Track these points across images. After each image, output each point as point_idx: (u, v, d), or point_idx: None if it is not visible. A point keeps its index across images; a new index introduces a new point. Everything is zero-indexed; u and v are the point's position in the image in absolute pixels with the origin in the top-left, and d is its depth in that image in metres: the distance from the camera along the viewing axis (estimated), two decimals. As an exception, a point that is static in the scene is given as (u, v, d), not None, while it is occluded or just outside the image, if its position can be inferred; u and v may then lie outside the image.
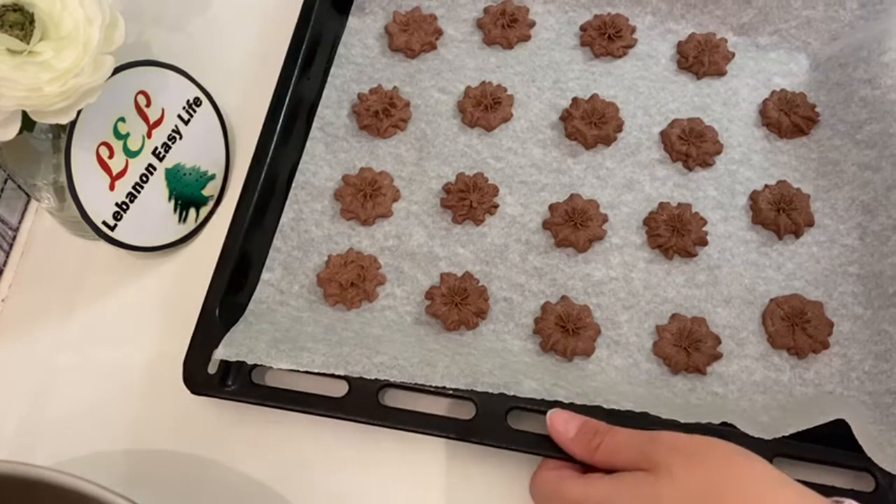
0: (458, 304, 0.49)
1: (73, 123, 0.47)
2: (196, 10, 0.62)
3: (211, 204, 0.56)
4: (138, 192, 0.51)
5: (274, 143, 0.53)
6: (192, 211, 0.54)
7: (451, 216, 0.53)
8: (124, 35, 0.45)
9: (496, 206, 0.53)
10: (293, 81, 0.55)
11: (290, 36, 0.55)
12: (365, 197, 0.53)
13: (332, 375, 0.45)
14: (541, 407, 0.44)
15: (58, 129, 0.49)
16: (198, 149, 0.54)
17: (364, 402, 0.45)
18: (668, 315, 0.50)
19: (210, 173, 0.55)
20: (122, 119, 0.50)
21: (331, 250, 0.52)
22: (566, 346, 0.48)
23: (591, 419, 0.43)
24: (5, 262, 0.55)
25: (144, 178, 0.52)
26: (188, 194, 0.54)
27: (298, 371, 0.45)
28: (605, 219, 0.52)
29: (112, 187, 0.50)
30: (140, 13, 0.54)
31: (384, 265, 0.52)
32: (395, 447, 0.47)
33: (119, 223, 0.50)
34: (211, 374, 0.46)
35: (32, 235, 0.56)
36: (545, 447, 0.43)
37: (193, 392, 0.46)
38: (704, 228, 0.52)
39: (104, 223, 0.50)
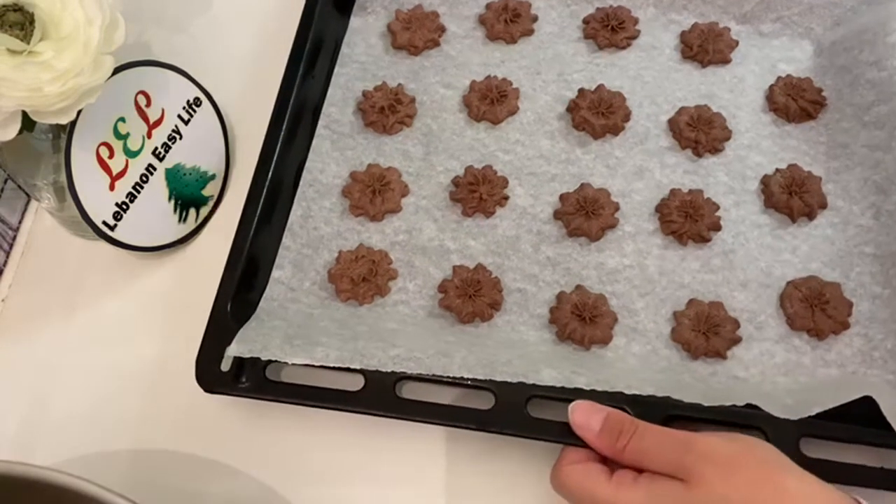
0: (471, 296, 0.49)
1: (73, 123, 0.46)
2: (196, 10, 0.62)
3: (211, 204, 0.55)
4: (138, 192, 0.51)
5: (280, 142, 0.52)
6: (192, 211, 0.54)
7: (461, 209, 0.52)
8: (124, 35, 0.45)
9: (506, 198, 0.53)
10: (297, 81, 0.55)
11: (292, 36, 0.55)
12: (373, 193, 0.52)
13: (348, 370, 0.44)
14: (561, 395, 0.43)
15: (58, 129, 0.48)
16: (198, 149, 0.54)
17: (381, 395, 0.44)
18: (684, 301, 0.49)
19: (210, 173, 0.55)
20: (122, 119, 0.50)
21: (341, 246, 0.51)
22: (583, 334, 0.47)
23: (615, 411, 0.42)
24: (5, 262, 0.54)
25: (144, 178, 0.51)
26: (188, 194, 0.54)
27: (313, 366, 0.45)
28: (616, 207, 0.52)
29: (112, 187, 0.50)
30: (140, 13, 0.54)
31: (395, 260, 0.51)
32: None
33: (119, 223, 0.50)
34: (224, 372, 0.45)
35: (32, 235, 0.56)
36: (567, 435, 0.42)
37: (206, 390, 0.45)
38: (717, 213, 0.51)
39: (104, 223, 0.49)
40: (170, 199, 0.52)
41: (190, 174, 0.53)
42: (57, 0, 0.42)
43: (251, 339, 0.45)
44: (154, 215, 0.52)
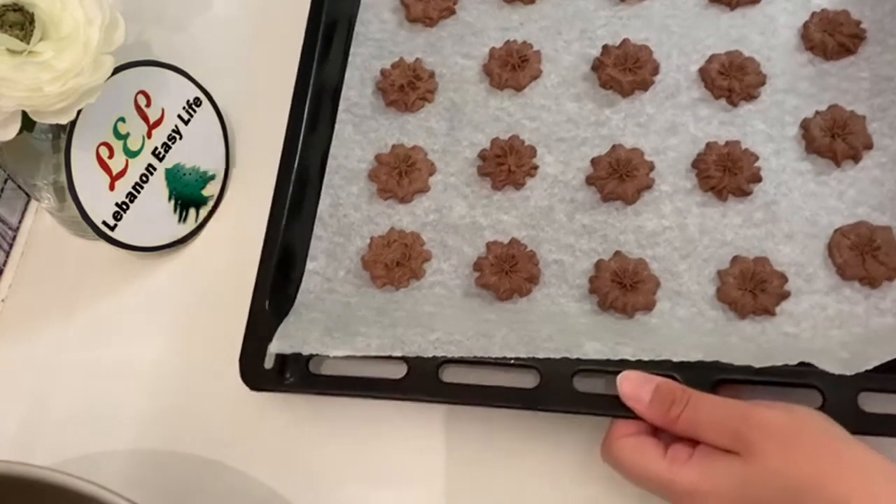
0: (507, 272, 0.48)
1: (73, 123, 0.47)
2: (196, 10, 0.62)
3: (211, 204, 0.55)
4: (138, 192, 0.51)
5: (302, 132, 0.52)
6: (192, 211, 0.54)
7: (491, 183, 0.51)
8: (124, 35, 0.45)
9: (536, 168, 0.51)
10: (314, 68, 0.54)
11: (293, 35, 0.54)
12: (400, 174, 0.52)
13: (390, 358, 0.44)
14: (607, 367, 0.43)
15: (58, 129, 0.48)
16: (198, 149, 0.54)
17: (424, 381, 0.44)
18: (728, 259, 0.47)
19: (210, 173, 0.55)
20: (122, 119, 0.50)
21: (372, 232, 0.51)
22: (625, 302, 0.46)
23: (665, 380, 0.41)
24: (5, 262, 0.55)
25: (144, 178, 0.51)
26: (188, 194, 0.54)
27: (355, 357, 0.44)
28: (651, 166, 0.50)
29: (112, 187, 0.50)
30: (140, 13, 0.54)
31: (428, 241, 0.50)
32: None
33: (119, 223, 0.50)
34: (268, 369, 0.45)
35: (32, 235, 0.56)
36: (617, 408, 0.41)
37: (252, 388, 0.45)
38: (756, 164, 0.49)
39: (104, 223, 0.49)
40: (170, 199, 0.53)
41: (190, 174, 0.53)
42: (57, 0, 0.42)
43: (291, 335, 0.45)
44: (154, 215, 0.52)
